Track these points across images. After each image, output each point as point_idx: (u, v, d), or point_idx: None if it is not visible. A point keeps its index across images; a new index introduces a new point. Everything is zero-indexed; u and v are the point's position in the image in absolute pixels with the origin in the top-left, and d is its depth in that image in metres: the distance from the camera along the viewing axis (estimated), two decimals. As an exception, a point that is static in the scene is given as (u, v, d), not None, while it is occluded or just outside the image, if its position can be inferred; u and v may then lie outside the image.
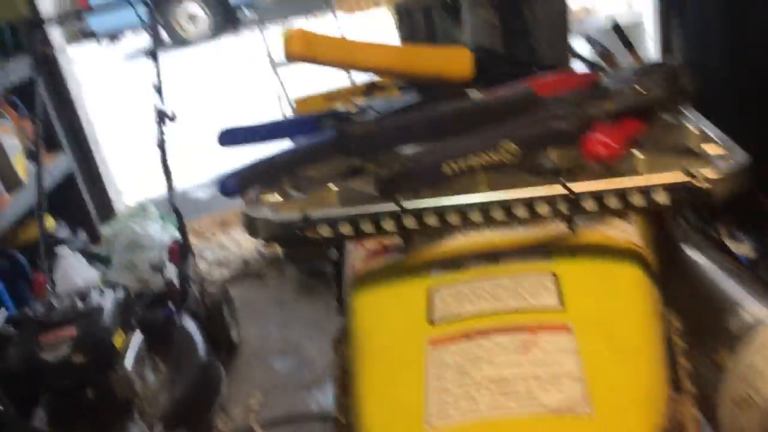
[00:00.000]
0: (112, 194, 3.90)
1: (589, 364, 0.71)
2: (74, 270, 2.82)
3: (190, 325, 2.51)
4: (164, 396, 2.22)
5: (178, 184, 2.74)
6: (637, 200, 0.75)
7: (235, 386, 2.55)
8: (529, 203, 0.76)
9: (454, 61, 0.96)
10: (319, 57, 0.88)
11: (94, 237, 3.56)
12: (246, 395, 2.50)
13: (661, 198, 0.74)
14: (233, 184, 0.88)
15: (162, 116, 2.67)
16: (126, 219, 3.52)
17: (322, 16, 7.74)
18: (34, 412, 2.09)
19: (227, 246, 3.69)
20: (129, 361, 2.08)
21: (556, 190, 0.76)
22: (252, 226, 0.83)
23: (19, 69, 3.12)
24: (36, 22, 3.18)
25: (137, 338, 2.19)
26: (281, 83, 5.24)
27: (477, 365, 0.73)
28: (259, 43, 5.51)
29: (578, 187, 0.76)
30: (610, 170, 0.77)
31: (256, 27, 6.79)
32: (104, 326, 2.10)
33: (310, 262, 3.21)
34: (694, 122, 0.84)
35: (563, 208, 0.76)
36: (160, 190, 3.62)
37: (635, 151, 0.80)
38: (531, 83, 0.92)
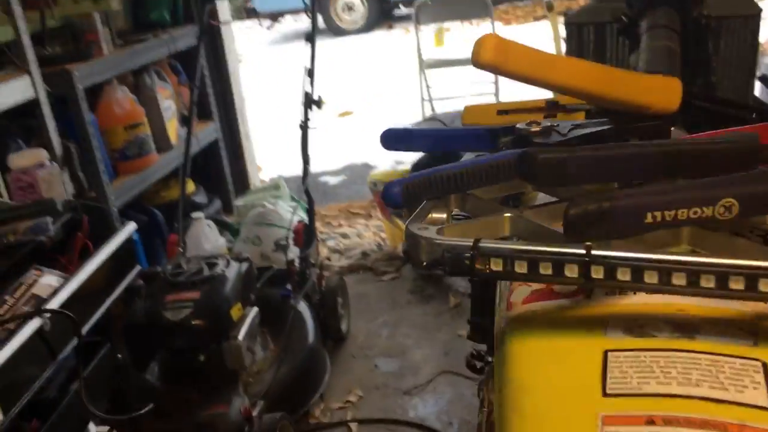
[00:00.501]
0: (250, 168, 4.04)
1: None
2: (205, 236, 2.92)
3: (304, 308, 2.54)
4: (270, 374, 2.25)
5: (313, 168, 2.77)
6: None
7: (337, 378, 2.55)
8: (753, 275, 0.63)
9: (661, 90, 0.86)
10: (512, 67, 0.81)
11: (228, 207, 3.69)
12: (346, 389, 2.49)
13: None
14: (397, 194, 0.82)
15: (309, 100, 2.71)
16: (259, 194, 3.63)
17: (478, 24, 7.68)
18: (149, 367, 2.19)
19: (349, 236, 3.72)
20: (242, 333, 2.12)
21: None
22: (414, 246, 0.75)
23: (185, 37, 3.28)
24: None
25: (253, 312, 2.23)
26: (428, 85, 5.25)
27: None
28: (410, 41, 5.54)
29: None
30: None
31: (411, 25, 6.83)
32: (225, 296, 2.15)
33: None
34: None
35: None
36: (294, 170, 3.71)
37: None
38: (756, 130, 0.80)
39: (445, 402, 2.37)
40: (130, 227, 1.80)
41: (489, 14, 5.03)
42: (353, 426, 2.30)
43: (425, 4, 5.14)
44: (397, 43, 8.61)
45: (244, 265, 2.33)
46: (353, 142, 5.23)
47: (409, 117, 5.56)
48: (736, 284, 0.62)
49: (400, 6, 10.12)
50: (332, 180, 4.68)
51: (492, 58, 0.78)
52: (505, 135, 0.92)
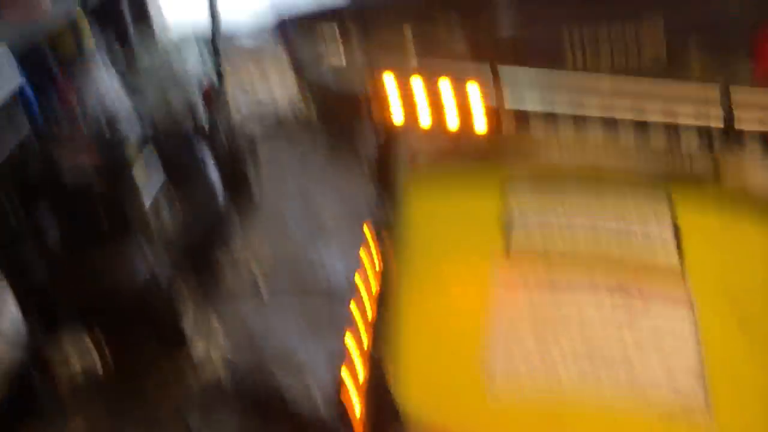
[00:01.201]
0: (156, 23, 3.75)
1: (713, 355, 0.59)
2: (106, 90, 2.73)
3: (212, 171, 2.46)
4: (176, 235, 2.20)
5: (224, 26, 2.60)
6: None
7: (248, 241, 2.53)
8: (674, 128, 0.61)
9: None
10: None
11: (131, 64, 3.45)
12: (257, 253, 2.48)
13: None
14: (292, 24, 0.75)
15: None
16: (166, 51, 3.40)
17: None
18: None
19: (263, 102, 3.58)
20: (139, 170, 2.03)
21: (713, 93, 0.61)
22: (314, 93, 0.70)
23: None
24: None
25: (157, 168, 2.14)
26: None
27: (563, 325, 0.62)
28: None
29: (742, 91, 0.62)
30: None
31: None
32: (119, 134, 2.04)
33: (342, 127, 3.09)
34: None
35: (722, 109, 0.63)
36: (205, 27, 3.48)
37: None
38: None
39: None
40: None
41: None
42: (264, 292, 2.31)
43: None
44: None
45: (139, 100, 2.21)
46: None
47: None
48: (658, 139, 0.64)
49: None
50: (247, 40, 4.43)
51: None
52: None
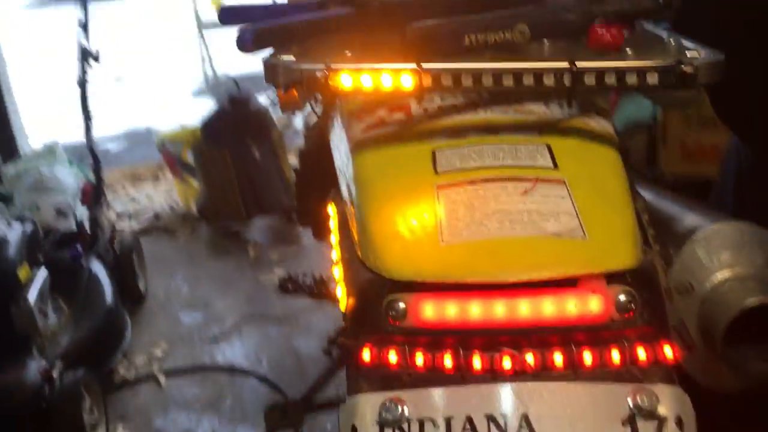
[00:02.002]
0: (17, 134, 3.71)
1: (582, 207, 0.82)
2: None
3: (98, 268, 2.45)
4: (66, 336, 2.16)
5: (93, 133, 2.65)
6: (631, 79, 0.85)
7: (139, 335, 2.51)
8: (537, 74, 0.84)
9: None
10: None
11: (-4, 175, 3.38)
12: (150, 344, 2.46)
13: (652, 79, 0.85)
14: (250, 36, 0.91)
15: (86, 54, 2.57)
16: (32, 161, 3.36)
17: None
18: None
19: (138, 199, 3.60)
20: (32, 296, 2.01)
21: (563, 64, 0.84)
22: (273, 71, 0.88)
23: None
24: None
25: (42, 274, 2.12)
26: (206, 46, 5.15)
27: (484, 202, 0.83)
28: (185, 3, 5.38)
29: (582, 64, 0.85)
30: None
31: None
32: (8, 258, 2.02)
33: (223, 220, 3.18)
34: (674, 34, 0.96)
35: (567, 81, 0.85)
36: (69, 135, 3.49)
37: (627, 48, 0.92)
38: None
39: (252, 344, 2.43)
40: None
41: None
42: (161, 378, 2.28)
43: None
44: (171, 5, 8.26)
45: (28, 225, 2.20)
46: (133, 108, 5.00)
47: (188, 79, 5.43)
48: (529, 80, 0.84)
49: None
50: (113, 146, 4.46)
51: None
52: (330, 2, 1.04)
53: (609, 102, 1.01)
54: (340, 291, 0.92)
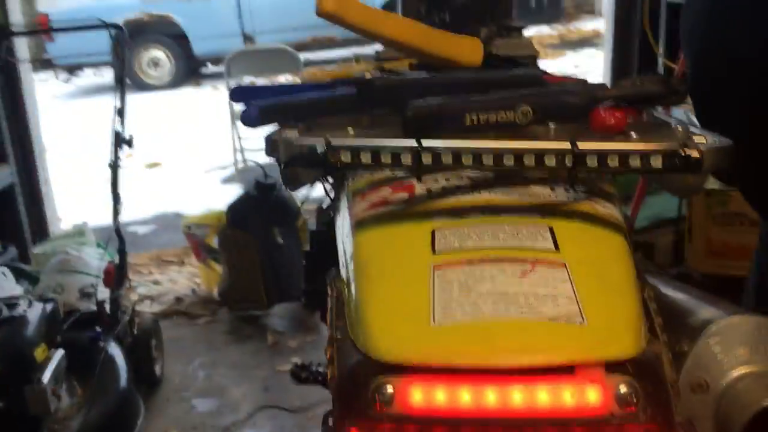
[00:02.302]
0: (49, 215, 3.80)
1: (582, 292, 0.78)
2: None
3: (115, 351, 2.43)
4: (78, 420, 2.12)
5: (121, 217, 2.70)
6: (634, 162, 0.84)
7: (152, 421, 2.46)
8: (539, 155, 0.84)
9: (468, 48, 1.07)
10: (348, 18, 0.96)
11: (24, 255, 3.44)
12: (162, 431, 2.41)
13: (656, 162, 0.84)
14: (255, 114, 0.94)
15: (119, 139, 2.66)
16: (61, 240, 3.43)
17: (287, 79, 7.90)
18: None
19: (161, 282, 3.62)
20: (47, 377, 2.00)
21: (564, 145, 0.84)
22: (273, 146, 0.89)
23: (-21, 74, 3.08)
24: (7, 32, 3.15)
25: (58, 355, 2.11)
26: (239, 136, 5.30)
27: (480, 283, 0.80)
28: (218, 97, 5.58)
29: (584, 145, 0.85)
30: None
31: (218, 82, 6.88)
32: (27, 337, 2.02)
33: (243, 306, 3.17)
34: (682, 118, 0.96)
35: (568, 161, 0.84)
36: (98, 218, 3.57)
37: (632, 132, 0.92)
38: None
39: (266, 435, 2.37)
40: None
41: (298, 69, 5.23)
42: (171, 467, 2.22)
43: (236, 58, 5.24)
44: (206, 99, 8.58)
45: (49, 305, 2.21)
46: (162, 193, 5.11)
47: (219, 167, 5.56)
48: (530, 161, 0.82)
49: (208, 64, 10.11)
50: (142, 229, 4.53)
51: (333, 8, 0.94)
52: (344, 83, 1.07)
53: (615, 187, 1.00)
54: (330, 372, 0.90)
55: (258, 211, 3.15)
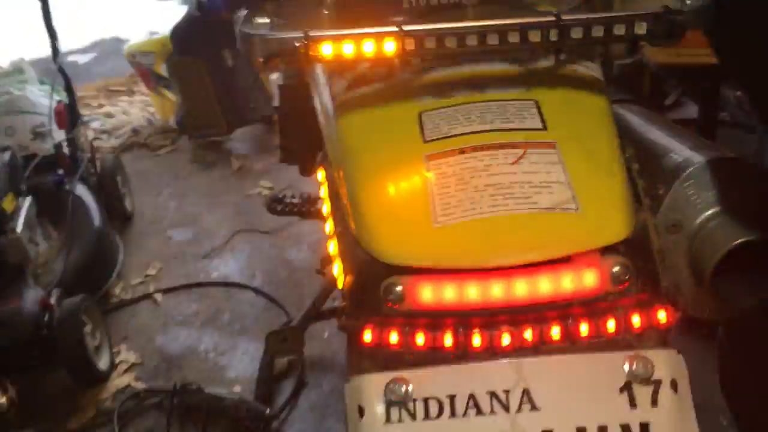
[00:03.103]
0: (-19, 53, 3.56)
1: (573, 174, 0.81)
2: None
3: (82, 191, 2.42)
4: (59, 262, 2.17)
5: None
6: (619, 30, 0.83)
7: (132, 256, 2.52)
8: (523, 30, 0.82)
9: None
10: None
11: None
12: (144, 265, 2.48)
13: (641, 29, 0.83)
14: (221, 1, 0.87)
15: (43, -32, 2.44)
16: (0, 80, 3.25)
17: None
18: None
19: (114, 114, 3.52)
20: (20, 225, 2.01)
21: (549, 18, 0.82)
22: (249, 43, 0.84)
23: None
24: None
25: (27, 202, 2.10)
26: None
27: (475, 174, 0.81)
28: None
29: (568, 17, 0.83)
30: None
31: None
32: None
33: (204, 132, 3.13)
34: None
35: (554, 35, 0.83)
36: (34, 53, 3.36)
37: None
38: None
39: (245, 258, 2.46)
40: None
41: None
42: (158, 296, 2.32)
43: None
44: None
45: (6, 155, 2.15)
46: (97, 16, 4.80)
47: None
48: (514, 38, 0.81)
49: None
50: (82, 59, 4.31)
51: None
52: None
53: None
54: (337, 267, 0.91)
55: (204, 34, 2.99)
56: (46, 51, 2.56)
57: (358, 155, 0.87)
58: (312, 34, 0.81)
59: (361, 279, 0.83)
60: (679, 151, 0.98)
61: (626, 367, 0.77)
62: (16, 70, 3.28)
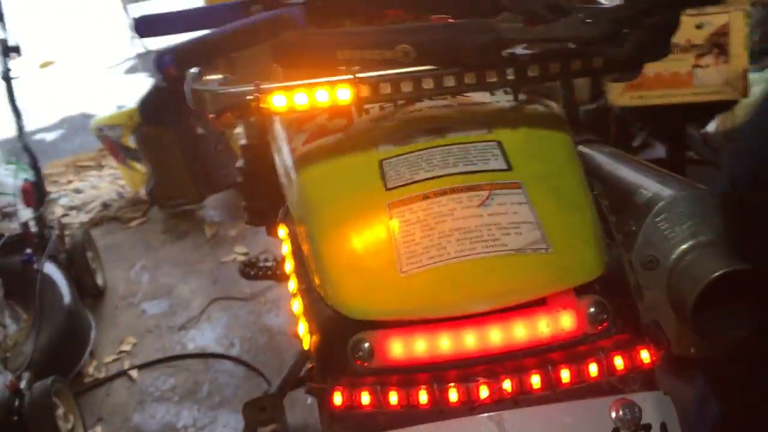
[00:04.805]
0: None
1: (542, 213, 0.78)
2: None
3: (51, 270, 2.37)
4: (29, 344, 2.09)
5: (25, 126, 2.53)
6: (576, 65, 0.81)
7: (105, 333, 2.45)
8: (480, 72, 0.80)
9: None
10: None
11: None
12: (117, 340, 2.41)
13: (598, 63, 0.81)
14: (170, 59, 0.84)
15: (6, 47, 2.44)
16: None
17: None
18: None
19: (83, 190, 3.48)
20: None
21: (507, 58, 0.80)
22: (200, 99, 0.81)
23: None
24: None
25: (-7, 285, 2.05)
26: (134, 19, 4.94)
27: (440, 220, 0.78)
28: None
29: (522, 53, 0.81)
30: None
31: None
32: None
33: (175, 202, 3.11)
34: None
35: (511, 73, 0.81)
36: (1, 132, 3.35)
37: None
38: None
39: (222, 326, 2.41)
40: None
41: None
42: (133, 373, 2.24)
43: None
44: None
45: (-30, 236, 2.10)
46: (63, 94, 4.81)
47: (118, 57, 5.23)
48: (471, 79, 0.81)
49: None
50: (49, 136, 4.30)
51: None
52: (254, 3, 0.97)
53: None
54: (302, 327, 0.87)
55: (171, 103, 2.99)
56: (12, 132, 2.54)
57: (319, 208, 0.85)
58: (263, 86, 0.79)
59: (328, 337, 0.79)
60: (649, 186, 0.97)
61: (612, 414, 0.73)
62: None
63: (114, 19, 5.14)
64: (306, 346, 0.84)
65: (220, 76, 0.86)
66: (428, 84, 0.80)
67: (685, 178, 1.00)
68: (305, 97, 0.78)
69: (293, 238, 0.93)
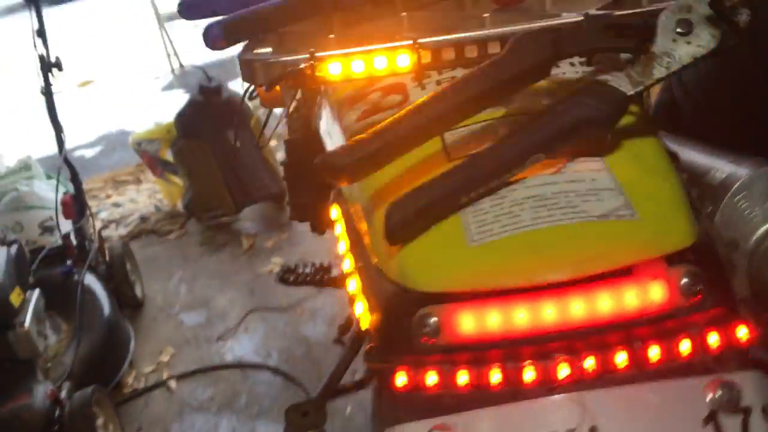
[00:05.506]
0: (-12, 153, 3.60)
1: (624, 179, 0.71)
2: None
3: (91, 281, 2.39)
4: (70, 355, 2.11)
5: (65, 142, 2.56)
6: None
7: (144, 343, 2.46)
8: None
9: None
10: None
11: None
12: (156, 351, 2.41)
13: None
14: (219, 32, 0.81)
15: (46, 63, 2.47)
16: (8, 178, 3.27)
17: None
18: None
19: (122, 204, 3.52)
20: (28, 319, 1.96)
21: (577, 18, 0.74)
22: (250, 69, 0.78)
23: None
24: None
25: (35, 296, 2.06)
26: (170, 38, 5.01)
27: (511, 188, 0.71)
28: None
29: (594, 12, 0.76)
30: None
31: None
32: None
33: (212, 214, 3.12)
34: None
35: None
36: (41, 149, 3.40)
37: None
38: None
39: (259, 337, 2.39)
40: None
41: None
42: (172, 383, 2.24)
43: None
44: (127, 3, 8.06)
45: (13, 248, 2.13)
46: (102, 111, 4.89)
47: (156, 75, 5.31)
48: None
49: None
50: (89, 153, 4.36)
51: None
52: None
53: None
54: (361, 306, 0.82)
55: (207, 117, 3.02)
56: (53, 148, 2.58)
57: (376, 181, 0.78)
58: (318, 54, 0.75)
59: (390, 313, 0.72)
60: (721, 166, 0.92)
61: (708, 395, 0.66)
62: (23, 167, 3.31)
63: (151, 37, 5.22)
64: (365, 325, 0.79)
65: (269, 50, 0.84)
66: (493, 48, 0.75)
67: (755, 156, 0.94)
68: (362, 64, 0.74)
69: (347, 217, 0.88)
